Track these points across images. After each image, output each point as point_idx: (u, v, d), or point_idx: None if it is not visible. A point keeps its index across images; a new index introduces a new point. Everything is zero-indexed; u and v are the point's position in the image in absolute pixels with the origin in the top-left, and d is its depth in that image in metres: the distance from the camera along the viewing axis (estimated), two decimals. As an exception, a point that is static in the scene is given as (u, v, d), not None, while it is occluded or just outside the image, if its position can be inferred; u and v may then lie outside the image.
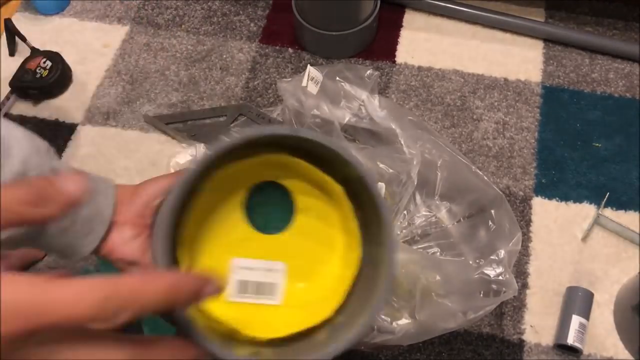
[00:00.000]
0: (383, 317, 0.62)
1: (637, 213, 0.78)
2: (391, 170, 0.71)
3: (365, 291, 0.48)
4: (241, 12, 0.99)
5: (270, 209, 0.48)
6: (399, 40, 0.96)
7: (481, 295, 0.63)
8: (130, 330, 0.69)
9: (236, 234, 0.47)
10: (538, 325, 0.71)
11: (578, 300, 0.70)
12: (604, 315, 0.71)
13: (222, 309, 0.47)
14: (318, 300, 0.49)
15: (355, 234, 0.47)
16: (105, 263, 0.74)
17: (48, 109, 0.89)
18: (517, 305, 0.72)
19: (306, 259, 0.49)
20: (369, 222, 0.47)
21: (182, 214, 0.44)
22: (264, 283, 0.48)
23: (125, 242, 0.52)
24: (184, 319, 0.39)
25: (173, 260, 0.45)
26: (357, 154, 0.73)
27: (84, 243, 0.50)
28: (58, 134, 0.87)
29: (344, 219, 0.48)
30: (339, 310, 0.48)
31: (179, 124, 0.86)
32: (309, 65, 0.80)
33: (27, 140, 0.46)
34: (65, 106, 0.90)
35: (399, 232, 0.70)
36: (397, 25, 0.97)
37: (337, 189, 0.46)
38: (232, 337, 0.45)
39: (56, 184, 0.36)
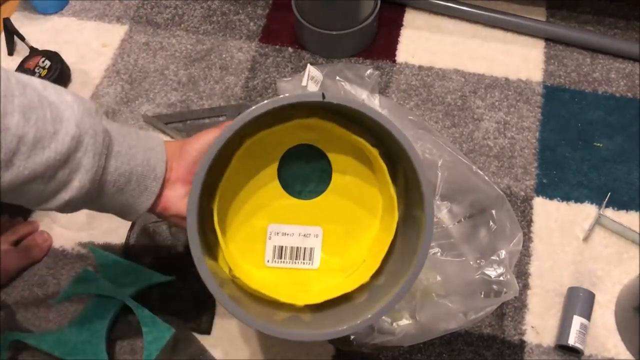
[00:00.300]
0: (383, 317, 0.62)
1: (638, 213, 0.78)
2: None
3: (404, 252, 0.48)
4: (241, 11, 0.99)
5: (305, 175, 0.48)
6: (399, 39, 0.95)
7: (482, 295, 0.62)
8: (128, 331, 0.70)
9: (272, 200, 0.48)
10: (539, 326, 0.71)
11: (579, 301, 0.70)
12: (605, 316, 0.71)
13: (261, 274, 0.48)
14: (355, 263, 0.50)
15: (393, 197, 0.47)
16: (104, 264, 0.74)
17: (47, 109, 0.89)
18: (518, 305, 0.72)
19: (343, 223, 0.49)
20: (409, 187, 0.47)
21: (218, 179, 0.45)
22: (301, 248, 0.48)
23: (178, 198, 0.53)
24: (220, 295, 0.41)
25: (210, 230, 0.46)
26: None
27: (139, 201, 0.52)
28: (57, 134, 0.87)
29: (381, 182, 0.48)
30: (377, 272, 0.48)
31: (178, 123, 0.86)
32: (308, 65, 0.79)
33: (78, 104, 0.47)
34: (64, 106, 0.89)
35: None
36: (397, 25, 0.97)
37: (372, 150, 0.46)
38: (272, 303, 0.46)
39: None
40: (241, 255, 0.48)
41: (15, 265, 0.72)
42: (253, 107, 0.41)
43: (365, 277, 0.48)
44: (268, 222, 0.48)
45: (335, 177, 0.48)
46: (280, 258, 0.48)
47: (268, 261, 0.48)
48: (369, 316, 0.44)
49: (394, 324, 0.62)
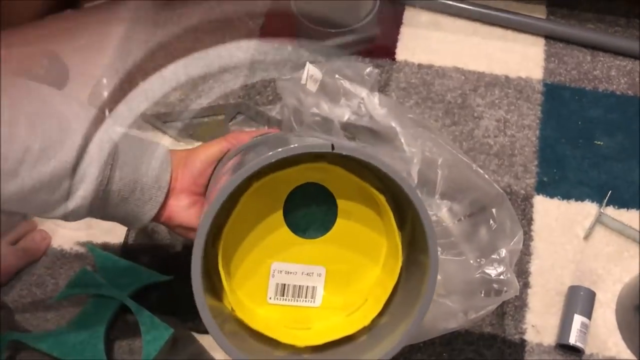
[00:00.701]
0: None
1: (639, 211, 0.78)
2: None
3: (407, 295, 0.48)
4: (239, 9, 0.98)
5: (311, 213, 0.48)
6: (399, 37, 0.95)
7: (482, 294, 0.62)
8: (127, 331, 0.70)
9: (276, 238, 0.48)
10: (540, 325, 0.70)
11: (580, 300, 0.69)
12: (606, 314, 0.71)
13: (262, 311, 0.48)
14: (357, 302, 0.50)
15: (397, 240, 0.47)
16: (102, 263, 0.73)
17: (45, 108, 0.89)
18: (519, 304, 0.71)
19: (346, 264, 0.49)
20: (416, 232, 0.47)
21: (224, 221, 0.45)
22: (303, 286, 0.49)
23: (183, 209, 0.53)
24: (216, 332, 0.41)
25: (214, 271, 0.46)
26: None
27: (144, 210, 0.52)
28: (55, 133, 0.87)
29: (386, 225, 0.48)
30: (380, 313, 0.48)
31: (177, 122, 0.86)
32: (307, 63, 0.79)
33: (85, 113, 0.47)
34: (62, 105, 0.89)
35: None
36: (397, 23, 0.97)
37: (379, 196, 0.46)
38: (273, 341, 0.46)
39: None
40: (243, 292, 0.48)
41: (14, 265, 0.72)
42: (262, 157, 0.41)
43: (367, 320, 0.48)
44: (272, 260, 0.48)
45: (340, 217, 0.49)
46: (283, 295, 0.48)
47: (270, 298, 0.48)
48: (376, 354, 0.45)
49: (394, 323, 0.62)
